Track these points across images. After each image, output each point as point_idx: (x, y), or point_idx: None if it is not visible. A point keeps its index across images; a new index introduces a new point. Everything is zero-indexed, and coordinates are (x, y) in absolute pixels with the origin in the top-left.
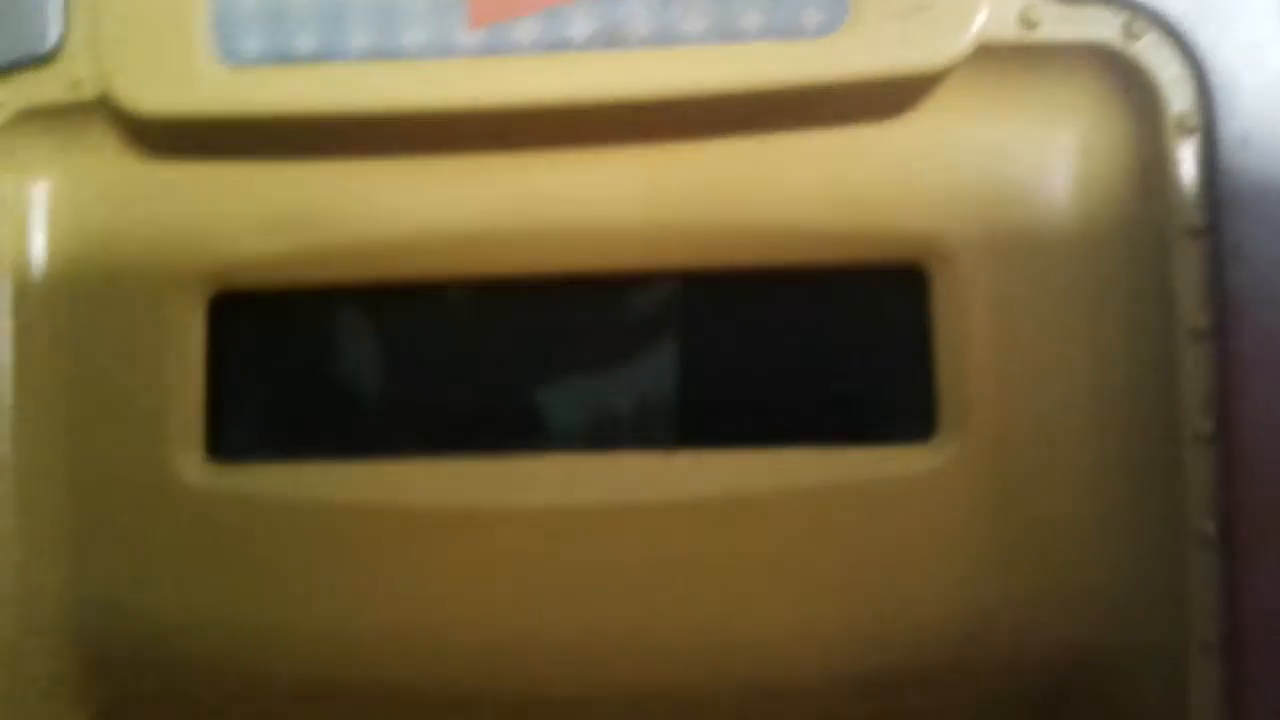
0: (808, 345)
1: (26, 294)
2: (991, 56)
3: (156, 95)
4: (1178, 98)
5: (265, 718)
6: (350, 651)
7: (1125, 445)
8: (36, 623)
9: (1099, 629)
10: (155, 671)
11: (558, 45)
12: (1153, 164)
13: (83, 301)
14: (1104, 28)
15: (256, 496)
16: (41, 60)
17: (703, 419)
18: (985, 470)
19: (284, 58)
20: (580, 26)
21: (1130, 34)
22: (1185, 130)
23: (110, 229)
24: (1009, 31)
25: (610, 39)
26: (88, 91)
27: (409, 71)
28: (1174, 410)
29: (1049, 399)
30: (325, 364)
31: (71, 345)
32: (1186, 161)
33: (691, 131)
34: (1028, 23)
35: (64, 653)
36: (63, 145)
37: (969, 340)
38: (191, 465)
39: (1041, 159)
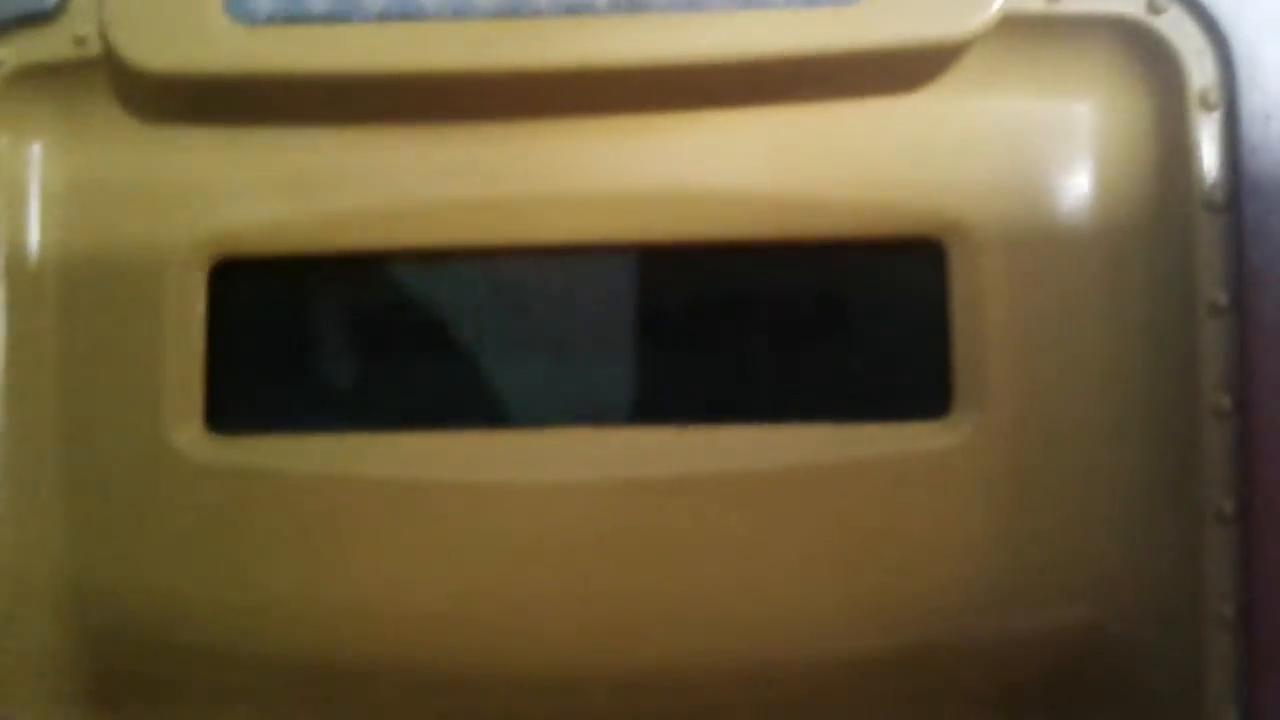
0: (823, 320)
1: (21, 258)
2: (1015, 28)
3: (164, 53)
4: (1200, 72)
5: (255, 696)
6: (346, 629)
7: (1142, 422)
8: (27, 597)
9: (1114, 606)
10: (148, 648)
11: (579, 9)
12: (1174, 139)
13: (80, 267)
14: (1127, 1)
15: (255, 469)
16: (43, 17)
17: (716, 394)
18: (1000, 448)
19: (296, 17)
20: None
21: (1153, 7)
22: (1207, 106)
23: (110, 192)
24: (1034, 3)
25: (632, 4)
26: (91, 49)
27: (424, 33)
28: (1192, 386)
29: (1066, 376)
30: (327, 335)
31: (67, 312)
32: (1208, 137)
33: (710, 100)
34: None
35: (55, 629)
36: (63, 105)
37: (985, 316)
38: (189, 437)
39: (1062, 133)
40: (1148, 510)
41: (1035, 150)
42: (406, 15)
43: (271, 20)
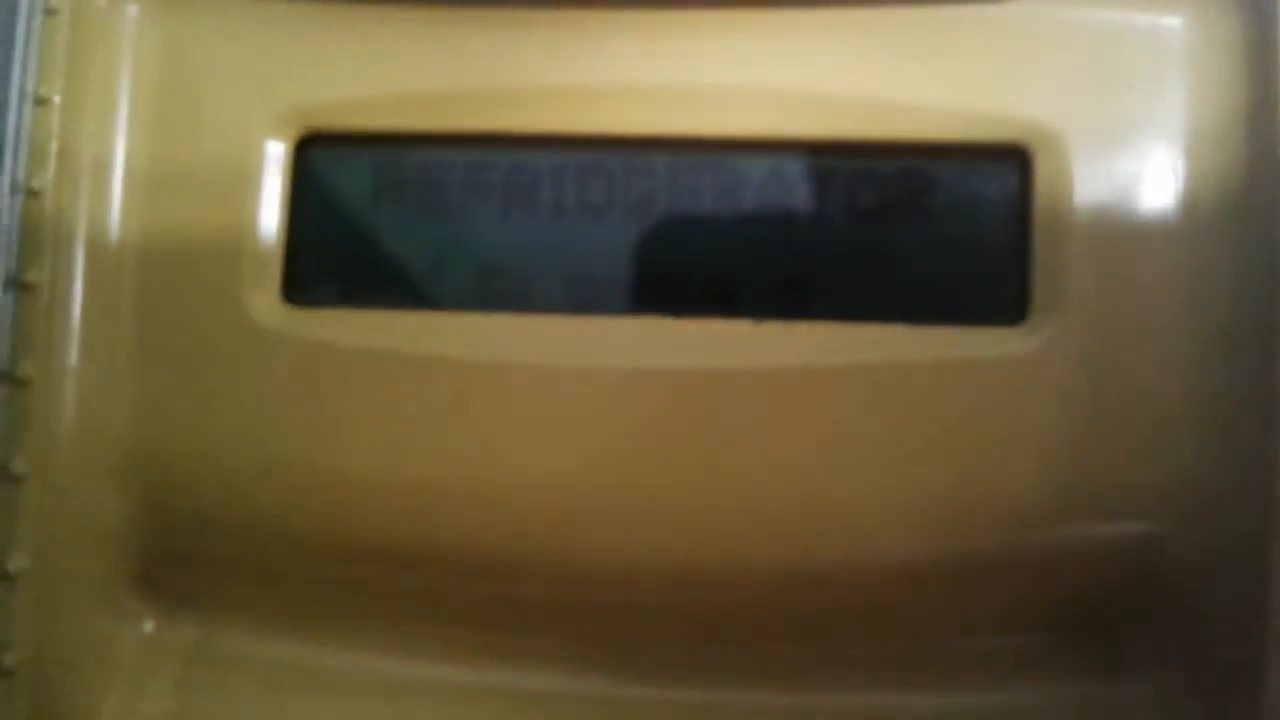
0: (903, 222)
1: (110, 115)
2: None
3: None
4: None
5: (311, 577)
6: (410, 510)
7: (1220, 335)
8: (88, 465)
9: (1185, 519)
10: (209, 524)
11: None
12: (1263, 55)
13: (166, 129)
14: None
15: (329, 342)
16: None
17: (796, 290)
18: (1075, 356)
19: None
20: None
21: None
22: None
23: (202, 57)
24: None
25: None
26: None
27: None
28: (1273, 299)
29: (1143, 286)
30: (407, 212)
31: (150, 174)
32: None
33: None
34: None
35: (115, 499)
36: None
37: (1067, 224)
38: (266, 307)
39: (1152, 46)
40: (1224, 422)
41: (1125, 62)
42: None
43: None
